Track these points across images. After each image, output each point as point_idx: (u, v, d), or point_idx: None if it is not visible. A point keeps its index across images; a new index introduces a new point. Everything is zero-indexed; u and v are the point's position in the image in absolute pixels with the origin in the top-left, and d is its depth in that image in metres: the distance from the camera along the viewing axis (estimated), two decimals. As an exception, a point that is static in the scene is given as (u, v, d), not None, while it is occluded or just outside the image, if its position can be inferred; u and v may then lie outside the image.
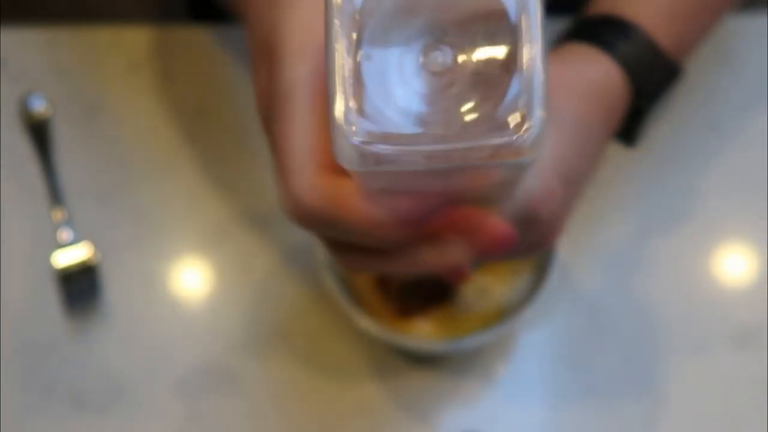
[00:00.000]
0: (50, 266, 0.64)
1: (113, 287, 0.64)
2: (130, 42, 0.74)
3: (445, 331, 0.59)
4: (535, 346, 0.63)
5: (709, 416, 0.61)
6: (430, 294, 0.60)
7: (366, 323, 0.56)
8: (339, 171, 0.33)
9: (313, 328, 0.63)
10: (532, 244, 0.44)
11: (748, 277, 0.65)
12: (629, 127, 0.52)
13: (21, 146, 0.70)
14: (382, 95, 0.30)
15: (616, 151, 0.69)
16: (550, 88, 0.32)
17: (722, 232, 0.67)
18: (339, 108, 0.30)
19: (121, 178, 0.68)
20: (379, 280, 0.61)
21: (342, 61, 0.30)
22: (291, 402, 0.61)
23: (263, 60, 0.40)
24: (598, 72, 0.49)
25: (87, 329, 0.63)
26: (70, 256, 0.64)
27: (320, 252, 0.57)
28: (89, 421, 0.60)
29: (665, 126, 0.70)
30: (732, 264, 0.66)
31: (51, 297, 0.64)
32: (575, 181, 0.45)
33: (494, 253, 0.38)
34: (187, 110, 0.69)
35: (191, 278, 0.65)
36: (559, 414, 0.61)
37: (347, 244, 0.39)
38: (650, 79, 0.50)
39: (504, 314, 0.59)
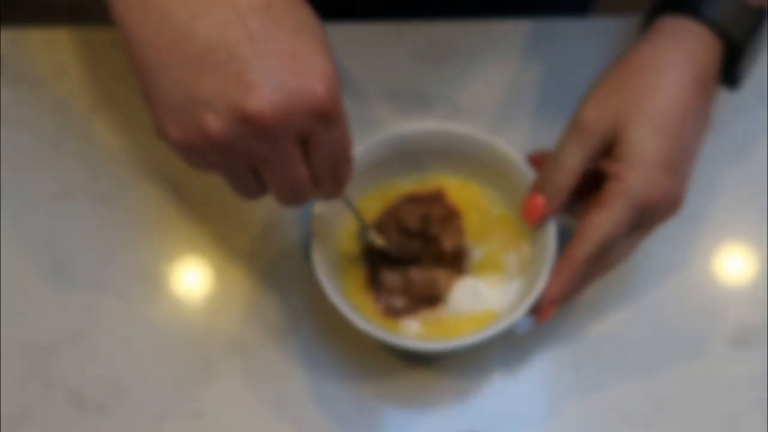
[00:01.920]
0: (50, 266, 0.65)
1: (113, 287, 0.64)
2: (130, 42, 0.74)
3: (435, 332, 0.59)
4: (535, 346, 0.63)
5: (709, 416, 0.61)
6: (420, 295, 0.60)
7: (362, 324, 0.56)
8: None
9: (312, 328, 0.63)
10: (652, 223, 0.56)
11: (748, 277, 0.65)
12: (729, 71, 0.57)
13: (21, 144, 0.70)
14: None
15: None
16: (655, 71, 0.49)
17: (722, 232, 0.67)
18: None
19: (120, 178, 0.68)
20: (369, 280, 0.61)
21: None
22: (290, 402, 0.61)
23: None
24: (695, 43, 0.55)
25: (87, 329, 0.63)
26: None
27: (316, 252, 0.57)
28: (89, 421, 0.60)
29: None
30: (732, 264, 0.66)
31: (51, 297, 0.64)
32: (679, 168, 0.54)
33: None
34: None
35: (191, 278, 0.65)
36: (559, 414, 0.61)
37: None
38: (742, 31, 0.55)
39: (495, 318, 0.59)
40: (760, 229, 0.67)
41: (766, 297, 0.64)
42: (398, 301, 0.60)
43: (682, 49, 0.55)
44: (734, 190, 0.68)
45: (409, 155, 0.62)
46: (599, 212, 0.54)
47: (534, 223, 0.57)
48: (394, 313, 0.60)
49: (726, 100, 0.72)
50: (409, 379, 0.62)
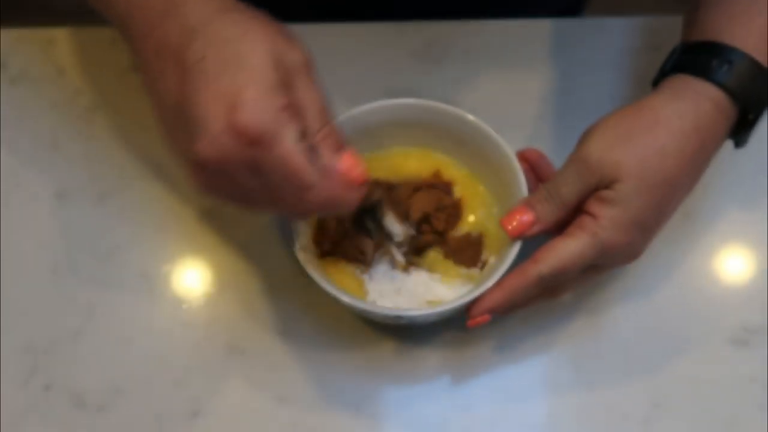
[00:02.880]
0: (50, 266, 0.65)
1: (113, 286, 0.64)
2: (130, 42, 0.74)
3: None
4: (535, 345, 0.63)
5: (709, 416, 0.60)
6: (346, 253, 0.61)
7: (348, 299, 0.57)
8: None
9: (312, 328, 0.63)
10: (607, 266, 0.58)
11: (748, 277, 0.65)
12: (739, 132, 0.58)
13: (21, 144, 0.70)
14: None
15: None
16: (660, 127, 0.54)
17: (722, 232, 0.67)
18: None
19: (120, 178, 0.68)
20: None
21: None
22: (290, 401, 0.61)
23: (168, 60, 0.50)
24: (710, 110, 0.55)
25: (87, 329, 0.63)
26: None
27: (300, 241, 0.58)
28: (89, 421, 0.60)
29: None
30: (732, 264, 0.66)
31: (51, 297, 0.64)
32: (651, 228, 0.56)
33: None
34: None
35: (191, 278, 0.65)
36: (559, 414, 0.61)
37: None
38: (756, 97, 0.56)
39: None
40: (760, 229, 0.67)
41: (766, 297, 0.64)
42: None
43: (695, 116, 0.55)
44: (734, 190, 0.68)
45: (366, 131, 0.63)
46: (566, 240, 0.55)
47: (514, 237, 0.58)
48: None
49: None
50: (414, 370, 0.62)
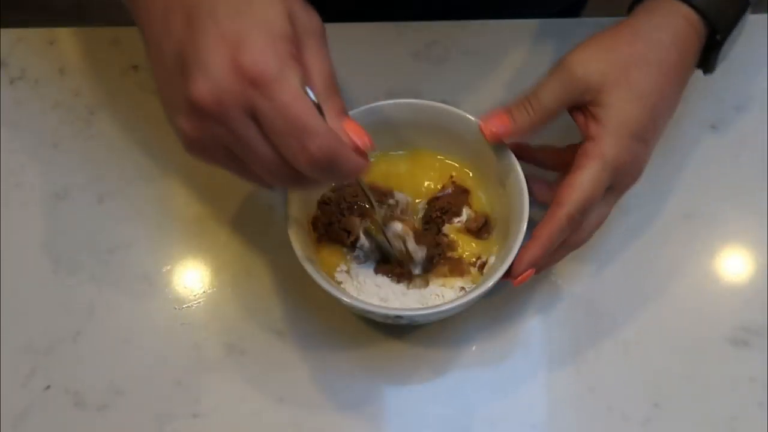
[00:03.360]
0: (50, 266, 0.65)
1: (113, 286, 0.64)
2: (130, 42, 0.74)
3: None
4: (535, 345, 0.63)
5: (709, 416, 0.61)
6: (336, 235, 0.62)
7: (348, 299, 0.57)
8: None
9: (312, 328, 0.63)
10: (621, 187, 0.59)
11: (748, 277, 0.65)
12: (708, 57, 0.61)
13: (21, 144, 0.70)
14: None
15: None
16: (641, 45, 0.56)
17: (722, 232, 0.67)
18: None
19: (121, 178, 0.68)
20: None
21: None
22: (290, 401, 0.61)
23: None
24: (684, 27, 0.58)
25: (87, 329, 0.63)
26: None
27: (296, 245, 0.58)
28: (89, 421, 0.60)
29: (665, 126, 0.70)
30: (732, 264, 0.66)
31: (51, 297, 0.64)
32: (648, 138, 0.57)
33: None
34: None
35: (191, 278, 0.65)
36: (559, 414, 0.61)
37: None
38: (724, 18, 0.59)
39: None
40: (760, 229, 0.67)
41: (766, 297, 0.64)
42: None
43: (672, 30, 0.58)
44: (734, 190, 0.68)
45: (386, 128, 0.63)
46: (578, 173, 0.56)
47: (491, 138, 0.59)
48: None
49: (726, 99, 0.72)
50: (414, 370, 0.62)
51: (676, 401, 0.61)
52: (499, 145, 0.61)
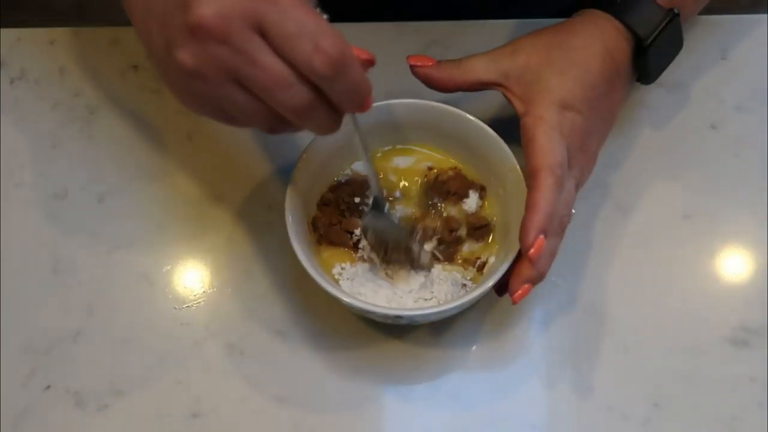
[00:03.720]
0: (50, 266, 0.65)
1: (113, 286, 0.64)
2: (130, 42, 0.74)
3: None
4: (535, 345, 0.63)
5: (709, 416, 0.61)
6: (330, 239, 0.62)
7: (348, 299, 0.57)
8: None
9: (313, 328, 0.63)
10: (577, 165, 0.60)
11: (748, 277, 0.65)
12: (638, 63, 0.64)
13: (21, 144, 0.70)
14: None
15: (615, 151, 0.70)
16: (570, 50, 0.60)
17: (722, 232, 0.67)
18: None
19: (121, 178, 0.68)
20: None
21: None
22: (290, 401, 0.61)
23: None
24: (608, 30, 0.62)
25: (87, 329, 0.63)
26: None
27: (296, 245, 0.58)
28: (89, 421, 0.60)
29: (665, 126, 0.70)
30: (732, 264, 0.66)
31: (51, 297, 0.64)
32: (579, 108, 0.60)
33: None
34: (186, 110, 0.69)
35: (191, 278, 0.65)
36: (559, 414, 0.61)
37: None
38: (645, 24, 0.62)
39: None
40: (760, 229, 0.67)
41: (766, 297, 0.64)
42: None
43: (595, 28, 0.63)
44: (734, 190, 0.68)
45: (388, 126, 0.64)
46: (531, 142, 0.58)
47: (412, 67, 0.63)
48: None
49: (726, 99, 0.72)
50: (414, 370, 0.62)
51: (676, 401, 0.61)
52: (499, 145, 0.61)
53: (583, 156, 0.60)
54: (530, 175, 0.57)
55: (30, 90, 0.72)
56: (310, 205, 0.63)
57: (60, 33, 0.75)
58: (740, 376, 0.62)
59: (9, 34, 0.74)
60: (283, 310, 0.63)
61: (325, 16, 0.48)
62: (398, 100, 0.63)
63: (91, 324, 0.63)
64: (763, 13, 0.73)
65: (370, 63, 0.52)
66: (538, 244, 0.55)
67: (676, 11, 0.62)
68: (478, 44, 0.74)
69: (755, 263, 0.66)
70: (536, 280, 0.57)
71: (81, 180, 0.68)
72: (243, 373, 0.62)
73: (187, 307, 0.64)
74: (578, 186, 0.60)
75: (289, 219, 0.58)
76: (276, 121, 0.49)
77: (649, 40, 0.62)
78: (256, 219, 0.67)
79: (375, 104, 0.62)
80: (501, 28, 0.75)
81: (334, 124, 0.51)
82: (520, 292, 0.56)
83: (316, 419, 0.60)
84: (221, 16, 0.45)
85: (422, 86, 0.72)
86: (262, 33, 0.46)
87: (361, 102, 0.50)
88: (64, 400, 0.60)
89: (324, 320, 0.63)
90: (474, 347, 0.62)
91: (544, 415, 0.61)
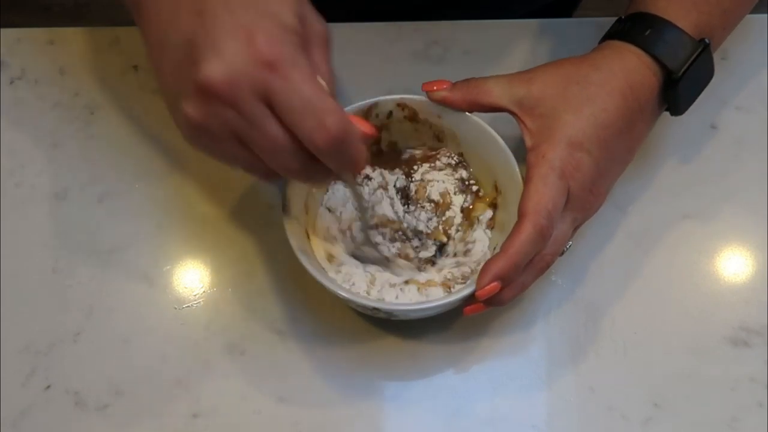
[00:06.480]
0: (50, 266, 0.65)
1: (113, 286, 0.64)
2: (130, 42, 0.74)
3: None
4: (535, 345, 0.63)
5: (709, 416, 0.61)
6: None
7: (348, 294, 0.57)
8: None
9: (313, 328, 0.63)
10: (577, 205, 0.58)
11: (748, 277, 0.65)
12: (670, 98, 0.62)
13: (21, 144, 0.70)
14: None
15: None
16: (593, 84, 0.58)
17: (722, 232, 0.67)
18: None
19: (121, 178, 0.68)
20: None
21: None
22: (291, 401, 0.61)
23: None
24: (629, 57, 0.60)
25: (87, 329, 0.63)
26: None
27: (292, 238, 0.58)
28: (89, 421, 0.60)
29: (665, 126, 0.70)
30: (732, 264, 0.66)
31: (51, 297, 0.64)
32: (588, 148, 0.57)
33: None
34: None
35: (191, 278, 0.65)
36: (559, 414, 0.61)
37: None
38: (675, 57, 0.60)
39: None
40: (760, 229, 0.67)
41: (766, 297, 0.64)
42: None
43: (620, 62, 0.60)
44: (734, 190, 0.68)
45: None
46: (529, 184, 0.56)
47: (426, 90, 0.61)
48: None
49: (725, 99, 0.72)
50: (414, 370, 0.62)
51: (676, 401, 0.61)
52: (499, 146, 0.61)
53: (588, 196, 0.58)
54: (518, 216, 0.56)
55: (30, 90, 0.72)
56: (309, 205, 0.63)
57: (60, 33, 0.75)
58: (740, 376, 0.62)
59: (9, 34, 0.74)
60: (283, 310, 0.64)
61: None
62: (398, 96, 0.63)
63: (91, 324, 0.63)
64: (763, 13, 0.73)
65: (370, 136, 0.52)
66: (488, 290, 0.55)
67: (707, 41, 0.60)
68: (478, 44, 0.74)
69: (755, 263, 0.66)
70: (495, 304, 0.57)
71: (81, 180, 0.68)
72: (243, 373, 0.62)
73: (187, 307, 0.64)
74: (578, 225, 0.60)
75: (286, 212, 0.58)
76: (273, 174, 0.51)
77: (680, 73, 0.60)
78: (257, 219, 0.67)
79: (376, 99, 0.62)
80: (501, 27, 0.75)
81: (327, 180, 0.57)
82: (473, 306, 0.57)
83: (316, 419, 0.60)
84: (230, 83, 0.46)
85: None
86: (268, 103, 0.47)
87: (354, 170, 0.51)
88: (64, 400, 0.61)
89: (324, 320, 0.63)
90: (474, 347, 0.62)
91: (544, 415, 0.61)
